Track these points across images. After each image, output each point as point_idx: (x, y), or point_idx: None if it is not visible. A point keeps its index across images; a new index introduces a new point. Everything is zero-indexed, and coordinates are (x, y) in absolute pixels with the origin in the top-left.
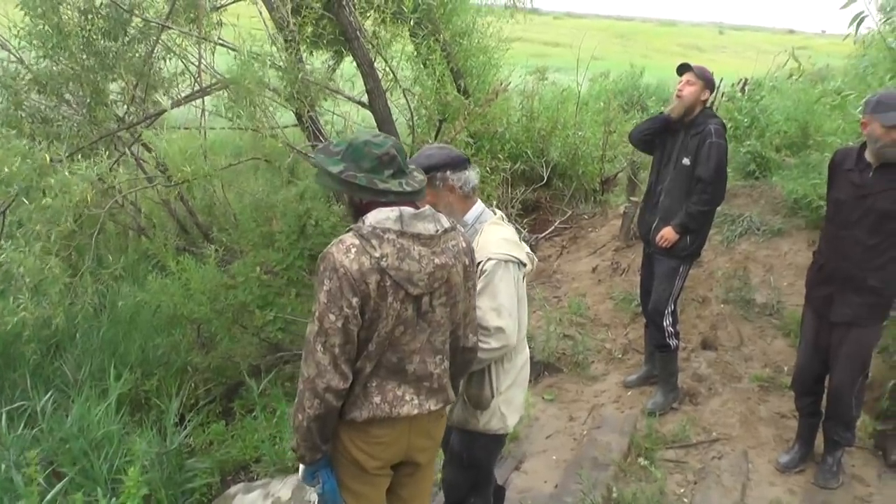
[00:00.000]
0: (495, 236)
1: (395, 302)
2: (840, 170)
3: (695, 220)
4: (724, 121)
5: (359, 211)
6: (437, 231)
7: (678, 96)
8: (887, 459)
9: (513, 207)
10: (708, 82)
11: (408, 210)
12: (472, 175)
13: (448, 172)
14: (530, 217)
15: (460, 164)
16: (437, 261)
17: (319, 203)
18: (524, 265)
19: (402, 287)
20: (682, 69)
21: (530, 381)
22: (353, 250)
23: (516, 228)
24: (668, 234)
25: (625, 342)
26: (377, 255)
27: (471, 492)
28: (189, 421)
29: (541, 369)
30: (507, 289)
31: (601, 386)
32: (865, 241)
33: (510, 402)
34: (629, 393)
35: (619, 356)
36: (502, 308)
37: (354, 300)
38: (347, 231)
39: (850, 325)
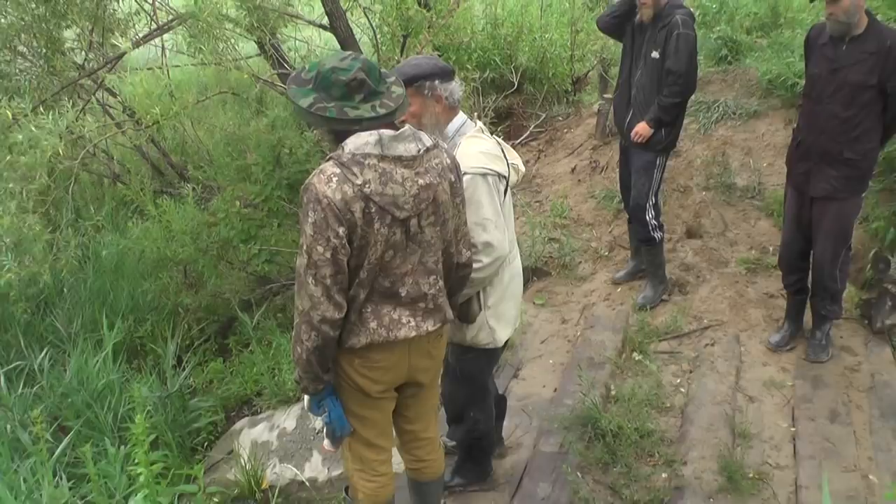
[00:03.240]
0: (472, 149)
1: (382, 227)
2: (815, 45)
3: (667, 113)
4: (693, 9)
5: (338, 137)
6: (419, 151)
7: (643, 3)
8: (873, 327)
9: (486, 116)
10: None
11: (387, 132)
12: (457, 87)
13: (437, 82)
14: (504, 124)
15: (448, 73)
16: (420, 181)
17: (291, 131)
18: (504, 177)
19: (388, 212)
20: None
21: None
22: (335, 179)
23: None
24: (642, 129)
25: (610, 239)
26: (359, 182)
27: (469, 405)
28: (187, 362)
29: (529, 275)
30: (490, 202)
31: (590, 285)
32: (840, 115)
33: (500, 317)
34: (619, 289)
35: (606, 254)
36: (487, 222)
37: (341, 230)
38: (327, 160)
39: (828, 199)
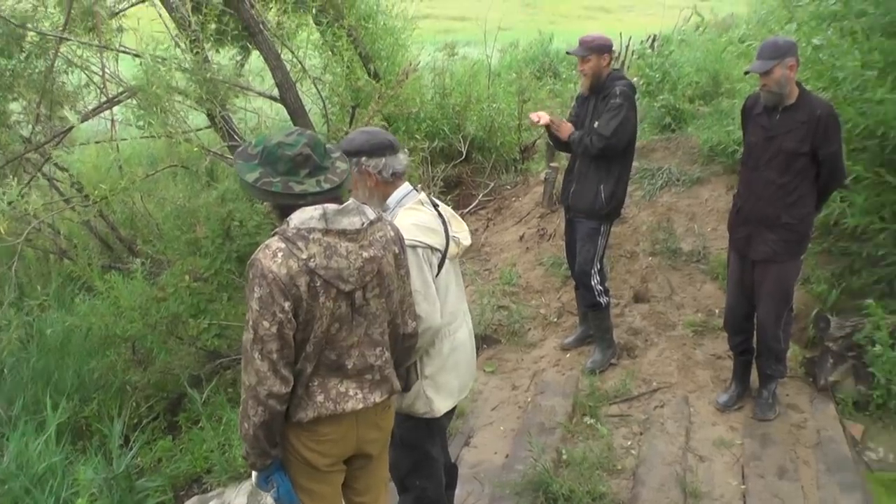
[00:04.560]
0: (406, 222)
1: (327, 301)
2: (751, 114)
3: (577, 144)
4: (636, 78)
5: (284, 211)
6: (363, 224)
7: (583, 74)
8: (817, 384)
9: (435, 185)
10: (599, 49)
11: (331, 207)
12: (392, 161)
13: (363, 158)
14: (453, 193)
15: (378, 150)
16: (365, 254)
17: (241, 203)
18: (437, 250)
19: (333, 285)
20: (571, 53)
21: None
22: (280, 254)
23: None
24: (543, 116)
25: (559, 306)
26: (304, 256)
27: (412, 473)
28: (134, 441)
29: (479, 342)
30: (418, 274)
31: (540, 352)
32: (776, 181)
33: (439, 388)
34: (568, 355)
35: (555, 320)
36: (416, 294)
37: (286, 304)
38: (273, 235)
39: (769, 262)
